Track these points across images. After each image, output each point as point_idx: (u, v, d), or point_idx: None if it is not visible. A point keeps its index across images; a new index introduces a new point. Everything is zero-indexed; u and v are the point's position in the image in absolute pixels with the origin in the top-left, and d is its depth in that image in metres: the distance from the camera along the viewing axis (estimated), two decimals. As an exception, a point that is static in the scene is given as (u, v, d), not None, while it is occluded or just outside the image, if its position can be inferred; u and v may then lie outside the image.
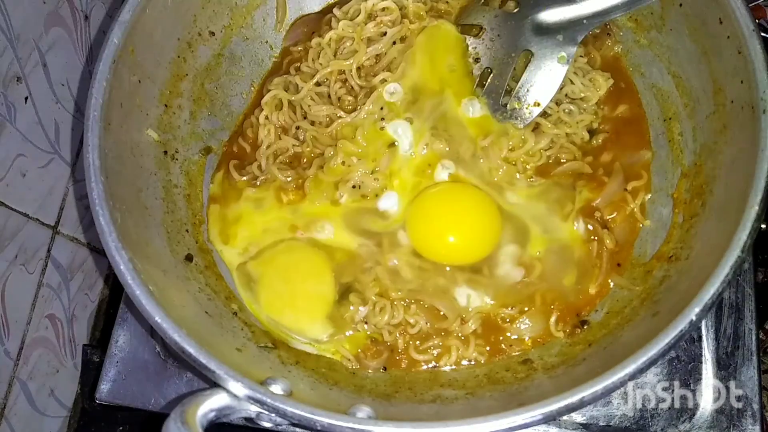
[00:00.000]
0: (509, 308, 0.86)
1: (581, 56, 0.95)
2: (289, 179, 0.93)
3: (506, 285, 0.88)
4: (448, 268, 0.88)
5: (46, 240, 1.08)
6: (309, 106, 0.96)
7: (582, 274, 0.87)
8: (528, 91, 0.92)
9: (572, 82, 0.93)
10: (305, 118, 0.97)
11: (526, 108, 0.92)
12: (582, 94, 0.94)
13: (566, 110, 0.93)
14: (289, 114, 0.97)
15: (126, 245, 0.72)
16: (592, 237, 0.88)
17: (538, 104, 0.91)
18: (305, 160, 0.95)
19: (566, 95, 0.94)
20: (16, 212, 0.99)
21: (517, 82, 0.92)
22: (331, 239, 0.91)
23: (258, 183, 0.95)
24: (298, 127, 0.96)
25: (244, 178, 0.95)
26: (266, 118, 0.97)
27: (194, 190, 0.94)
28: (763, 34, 0.75)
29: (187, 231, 0.89)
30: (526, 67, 0.92)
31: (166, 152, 0.90)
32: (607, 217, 0.89)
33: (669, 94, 0.91)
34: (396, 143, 0.92)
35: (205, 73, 0.97)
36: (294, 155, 0.96)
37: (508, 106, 0.92)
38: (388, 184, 0.92)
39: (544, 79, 0.91)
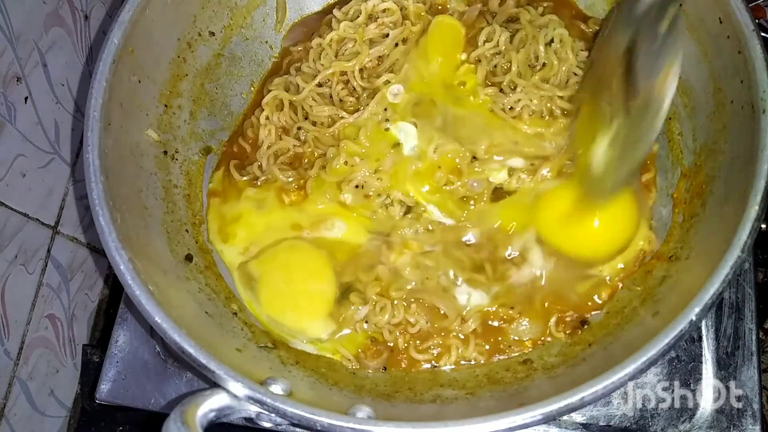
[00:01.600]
0: (510, 308, 0.86)
1: (582, 50, 0.94)
2: (290, 180, 0.93)
3: (509, 286, 0.87)
4: (451, 271, 0.88)
5: (46, 240, 1.08)
6: (311, 106, 0.96)
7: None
8: (654, 65, 0.78)
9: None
10: (306, 118, 0.97)
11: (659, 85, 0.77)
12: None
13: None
14: (290, 114, 0.97)
15: (126, 245, 0.72)
16: None
17: (668, 73, 0.76)
18: (306, 161, 0.95)
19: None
20: (16, 212, 0.99)
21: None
22: (339, 237, 0.90)
23: (259, 183, 0.95)
24: (299, 128, 0.96)
25: (245, 178, 0.95)
26: (267, 118, 0.97)
27: (194, 190, 0.94)
28: (763, 34, 0.75)
29: (187, 231, 0.89)
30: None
31: (166, 152, 0.90)
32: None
33: (669, 94, 0.91)
34: (401, 143, 0.92)
35: (205, 73, 0.97)
36: (295, 156, 0.96)
37: (639, 99, 0.79)
38: (395, 186, 0.91)
39: (664, 45, 0.76)
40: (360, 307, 0.86)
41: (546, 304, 0.86)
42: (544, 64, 0.93)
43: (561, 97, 0.91)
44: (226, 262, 0.91)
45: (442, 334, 0.86)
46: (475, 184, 0.90)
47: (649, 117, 0.76)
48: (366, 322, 0.87)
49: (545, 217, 0.88)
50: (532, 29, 0.94)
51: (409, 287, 0.87)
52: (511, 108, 0.91)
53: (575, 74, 0.93)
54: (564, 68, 0.92)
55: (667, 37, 0.77)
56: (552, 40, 0.94)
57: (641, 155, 0.81)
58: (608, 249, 0.87)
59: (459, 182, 0.90)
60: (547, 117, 0.91)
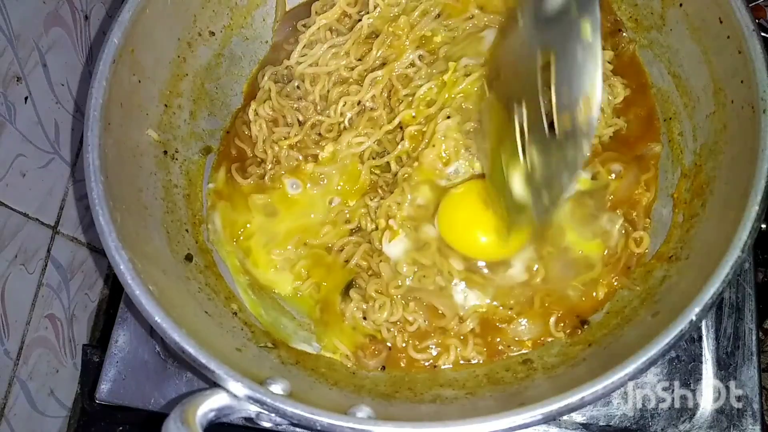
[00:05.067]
0: (508, 309, 0.86)
1: (608, 62, 0.92)
2: (298, 159, 0.93)
3: (506, 286, 0.87)
4: (447, 270, 0.88)
5: (46, 240, 1.08)
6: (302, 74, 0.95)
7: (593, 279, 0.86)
8: (570, 91, 0.65)
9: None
10: (300, 99, 0.96)
11: (580, 114, 0.65)
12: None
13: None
14: (277, 100, 0.96)
15: (126, 245, 0.72)
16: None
17: (589, 99, 0.63)
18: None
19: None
20: (16, 212, 0.99)
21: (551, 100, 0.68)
22: None
23: (267, 180, 0.93)
24: (297, 108, 0.95)
25: (249, 180, 0.94)
26: (256, 113, 0.96)
27: (194, 190, 0.94)
28: (763, 34, 0.76)
29: (187, 231, 0.89)
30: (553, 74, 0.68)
31: (166, 152, 0.90)
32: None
33: (669, 94, 0.91)
34: None
35: (205, 73, 0.97)
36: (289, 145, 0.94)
37: (557, 130, 0.67)
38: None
39: (580, 66, 0.64)
40: (360, 304, 0.87)
41: (546, 304, 0.86)
42: None
43: None
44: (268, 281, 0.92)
45: (441, 333, 0.86)
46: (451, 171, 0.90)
47: (569, 152, 0.64)
48: (365, 318, 0.87)
49: (445, 216, 0.87)
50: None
51: (407, 283, 0.87)
52: None
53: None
54: None
55: (589, 48, 0.62)
56: None
57: (562, 191, 0.68)
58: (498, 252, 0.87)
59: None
60: None
